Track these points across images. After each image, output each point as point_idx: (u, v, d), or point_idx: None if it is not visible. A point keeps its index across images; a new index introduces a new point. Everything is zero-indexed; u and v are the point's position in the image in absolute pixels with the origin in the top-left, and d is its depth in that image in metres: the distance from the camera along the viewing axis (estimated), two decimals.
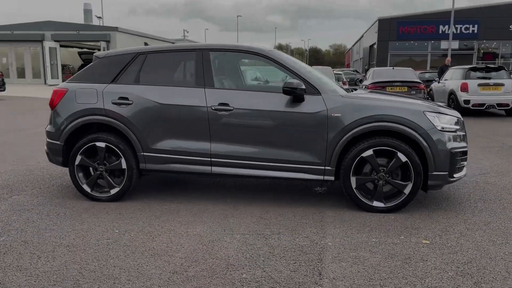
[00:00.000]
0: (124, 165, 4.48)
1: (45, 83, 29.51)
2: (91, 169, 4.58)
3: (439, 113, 4.17)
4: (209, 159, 4.35)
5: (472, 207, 4.35)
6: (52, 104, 4.66)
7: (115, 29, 29.84)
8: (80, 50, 34.86)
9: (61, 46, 30.96)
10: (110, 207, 4.35)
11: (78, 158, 4.54)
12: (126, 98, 4.43)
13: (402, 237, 3.59)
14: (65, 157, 4.64)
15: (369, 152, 4.10)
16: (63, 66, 31.98)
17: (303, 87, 4.09)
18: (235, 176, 4.39)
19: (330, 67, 15.38)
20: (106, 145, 4.48)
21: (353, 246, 3.39)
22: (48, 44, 29.34)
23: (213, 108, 4.28)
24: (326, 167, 4.19)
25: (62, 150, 4.61)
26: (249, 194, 4.81)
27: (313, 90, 4.22)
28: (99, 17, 50.92)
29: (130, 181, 4.51)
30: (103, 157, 4.51)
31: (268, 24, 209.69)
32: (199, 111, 4.31)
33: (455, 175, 4.17)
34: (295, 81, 4.07)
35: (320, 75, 4.86)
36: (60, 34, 30.05)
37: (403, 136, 4.10)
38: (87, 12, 37.77)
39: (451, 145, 4.08)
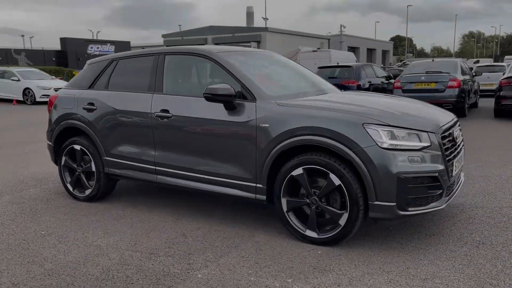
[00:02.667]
0: (93, 168, 4.66)
1: None
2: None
3: (390, 126, 3.20)
4: (154, 167, 4.21)
5: (447, 252, 3.24)
6: (48, 109, 5.13)
7: (265, 29, 31.08)
8: None
9: None
10: (76, 207, 4.56)
11: (63, 159, 4.90)
12: (93, 104, 4.59)
13: (290, 280, 2.89)
14: (56, 157, 5.05)
15: (299, 170, 3.40)
16: None
17: (229, 93, 3.60)
18: (177, 187, 4.15)
19: (459, 59, 13.21)
20: (81, 148, 4.72)
21: (217, 284, 2.87)
22: None
23: (155, 114, 4.12)
24: (257, 185, 3.63)
25: (53, 150, 5.04)
26: (211, 207, 4.48)
27: (250, 96, 3.70)
28: (266, 19, 53.74)
29: (99, 184, 4.66)
30: (80, 159, 4.77)
31: (462, 10, 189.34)
32: (145, 117, 4.19)
33: (410, 209, 3.16)
34: (219, 86, 3.61)
35: (286, 78, 4.26)
36: (219, 38, 32.73)
37: (338, 154, 3.28)
38: (250, 15, 40.09)
39: (401, 168, 3.10)
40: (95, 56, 33.64)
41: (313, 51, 24.45)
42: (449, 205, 4.25)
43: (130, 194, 5.03)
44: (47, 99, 14.91)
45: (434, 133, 3.27)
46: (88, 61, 5.12)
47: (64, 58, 40.34)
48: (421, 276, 2.88)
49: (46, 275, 3.07)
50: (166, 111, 4.05)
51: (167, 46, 35.68)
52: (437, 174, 3.20)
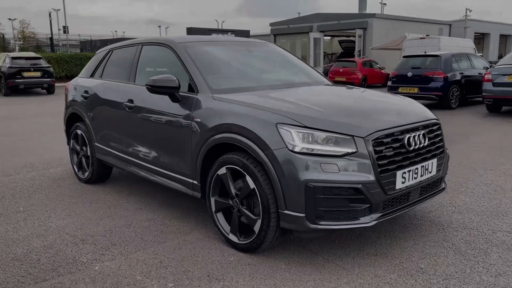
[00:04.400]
0: (89, 153, 4.94)
1: None
2: None
3: (306, 127, 2.81)
4: (125, 156, 4.30)
5: (368, 277, 2.77)
6: (65, 95, 5.53)
7: (373, 15, 29.44)
8: (341, 38, 36.28)
9: (325, 36, 32.94)
10: (71, 188, 4.87)
11: (71, 142, 5.28)
12: (87, 92, 4.84)
13: (171, 285, 2.74)
14: (68, 140, 5.46)
15: (223, 170, 3.20)
16: (326, 55, 34.01)
17: (170, 85, 3.48)
18: (142, 177, 4.19)
19: None
20: (81, 133, 5.03)
21: (101, 279, 2.84)
22: (313, 35, 31.66)
23: (124, 104, 4.19)
24: (194, 181, 3.50)
25: (66, 133, 5.45)
26: (185, 201, 4.44)
27: (195, 88, 3.55)
28: (384, 4, 51.09)
29: (92, 168, 4.93)
30: (81, 143, 5.09)
31: None
32: (118, 106, 4.29)
33: (322, 222, 2.76)
34: (160, 77, 3.51)
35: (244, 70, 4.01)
36: (324, 25, 31.94)
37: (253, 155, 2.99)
38: (362, 0, 38.31)
39: (311, 176, 2.72)
40: None
41: (420, 38, 22.52)
42: (430, 221, 3.66)
43: (126, 180, 5.22)
44: None
45: (362, 138, 2.80)
46: (97, 51, 5.39)
47: None
48: None
49: None
50: (131, 101, 4.10)
51: (273, 34, 35.99)
52: (360, 186, 2.74)
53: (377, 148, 2.82)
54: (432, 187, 3.32)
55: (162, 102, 3.71)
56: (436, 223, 3.63)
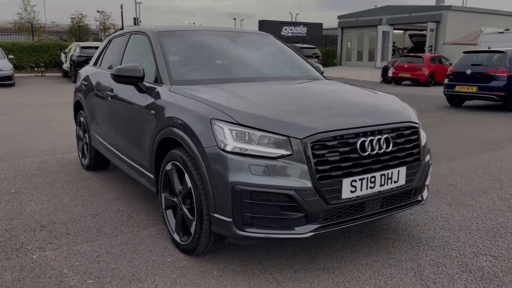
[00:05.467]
0: (87, 140, 5.01)
1: (375, 66, 30.83)
2: None
3: (240, 125, 2.55)
4: (108, 146, 4.29)
5: None
6: None
7: (448, 8, 27.45)
8: (412, 32, 34.31)
9: (395, 29, 31.37)
10: (70, 174, 4.98)
11: (77, 129, 5.40)
12: (86, 80, 4.90)
13: (91, 281, 2.64)
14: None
15: (169, 166, 3.04)
16: (396, 49, 32.39)
17: (133, 74, 3.38)
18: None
19: None
20: (83, 120, 5.13)
21: (30, 268, 2.82)
22: (381, 28, 30.28)
23: (106, 93, 4.17)
24: (151, 175, 3.38)
25: (75, 120, 5.58)
26: None
27: (160, 79, 3.42)
28: None
29: (90, 155, 5.00)
30: (83, 130, 5.18)
31: None
32: (104, 95, 4.29)
33: (249, 229, 2.51)
34: (123, 67, 3.42)
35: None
36: (394, 18, 30.41)
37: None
38: None
39: (238, 178, 2.48)
40: (288, 37, 35.57)
41: (499, 32, 20.64)
42: (408, 236, 3.25)
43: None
44: None
45: (299, 139, 2.49)
46: (104, 39, 5.44)
47: None
48: None
49: None
50: (112, 90, 4.06)
51: (341, 27, 34.93)
52: (292, 193, 2.45)
53: (317, 152, 2.51)
54: (401, 198, 2.92)
55: (132, 92, 3.62)
56: (414, 240, 3.21)
